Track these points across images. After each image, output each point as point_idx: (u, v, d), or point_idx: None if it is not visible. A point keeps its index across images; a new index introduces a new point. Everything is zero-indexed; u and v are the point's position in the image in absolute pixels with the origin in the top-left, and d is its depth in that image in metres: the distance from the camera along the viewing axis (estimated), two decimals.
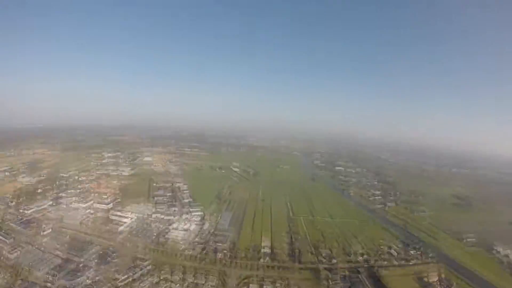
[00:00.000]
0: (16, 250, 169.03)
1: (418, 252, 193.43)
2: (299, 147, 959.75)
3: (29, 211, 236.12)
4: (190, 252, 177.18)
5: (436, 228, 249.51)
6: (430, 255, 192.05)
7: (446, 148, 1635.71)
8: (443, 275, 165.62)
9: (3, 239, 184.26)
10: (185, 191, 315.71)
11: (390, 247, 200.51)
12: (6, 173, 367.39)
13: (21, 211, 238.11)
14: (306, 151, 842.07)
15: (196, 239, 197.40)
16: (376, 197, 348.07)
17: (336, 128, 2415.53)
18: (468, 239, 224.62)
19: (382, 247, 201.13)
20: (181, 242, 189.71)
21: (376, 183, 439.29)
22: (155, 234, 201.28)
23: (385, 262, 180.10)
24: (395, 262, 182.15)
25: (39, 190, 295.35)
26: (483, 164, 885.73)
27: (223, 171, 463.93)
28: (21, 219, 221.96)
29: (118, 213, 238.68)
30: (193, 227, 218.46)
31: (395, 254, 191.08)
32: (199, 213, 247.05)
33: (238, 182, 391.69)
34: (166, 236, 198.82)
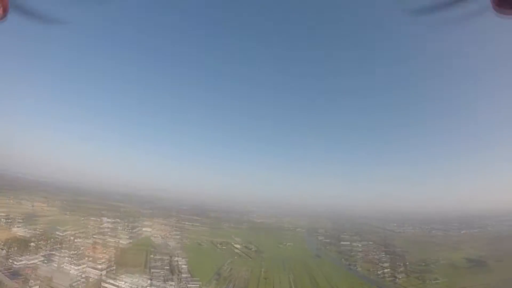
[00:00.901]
0: None
1: None
2: (302, 223, 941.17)
3: (18, 264, 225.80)
4: None
5: None
6: None
7: (453, 210, 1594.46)
8: None
9: None
10: (183, 266, 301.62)
11: None
12: (2, 220, 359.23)
13: (10, 261, 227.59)
14: (309, 227, 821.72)
15: None
16: (385, 270, 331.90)
17: (340, 202, 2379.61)
18: None
19: None
20: None
21: (384, 255, 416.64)
22: None
23: None
24: None
25: (32, 244, 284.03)
26: (493, 221, 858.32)
27: (224, 247, 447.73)
28: (9, 269, 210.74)
29: (111, 281, 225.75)
30: None
31: None
32: None
33: (240, 259, 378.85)
34: None
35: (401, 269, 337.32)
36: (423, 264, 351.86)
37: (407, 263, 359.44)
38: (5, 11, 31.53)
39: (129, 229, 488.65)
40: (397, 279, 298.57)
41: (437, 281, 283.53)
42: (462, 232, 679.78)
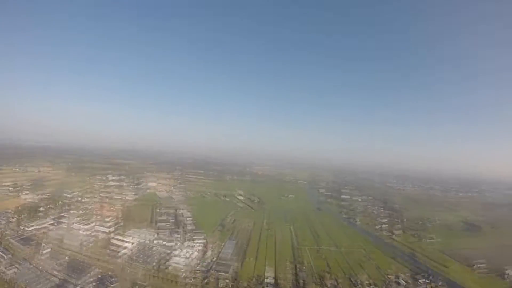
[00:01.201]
0: (13, 266, 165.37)
1: (427, 281, 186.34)
2: (304, 175, 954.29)
3: (30, 229, 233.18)
4: (191, 281, 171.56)
5: (445, 255, 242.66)
6: (440, 283, 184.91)
7: (453, 172, 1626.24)
8: None
9: (2, 254, 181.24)
10: (188, 218, 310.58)
11: (397, 277, 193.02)
12: (10, 189, 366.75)
13: (21, 227, 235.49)
14: (311, 180, 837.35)
15: (198, 267, 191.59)
16: (383, 225, 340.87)
17: (341, 156, 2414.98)
18: (479, 265, 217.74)
19: (389, 276, 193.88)
20: (182, 270, 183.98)
21: (382, 210, 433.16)
22: (156, 260, 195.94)
23: None
24: None
25: (41, 209, 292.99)
26: (490, 187, 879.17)
27: (228, 199, 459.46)
28: (21, 235, 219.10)
29: (120, 237, 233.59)
30: (195, 254, 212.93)
31: (403, 283, 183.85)
32: (202, 240, 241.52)
33: (243, 211, 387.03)
34: (167, 263, 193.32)
35: (398, 225, 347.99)
36: (420, 222, 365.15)
37: (405, 220, 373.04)
38: None
39: (134, 185, 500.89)
40: (393, 235, 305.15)
41: (432, 240, 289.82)
42: (460, 194, 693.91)
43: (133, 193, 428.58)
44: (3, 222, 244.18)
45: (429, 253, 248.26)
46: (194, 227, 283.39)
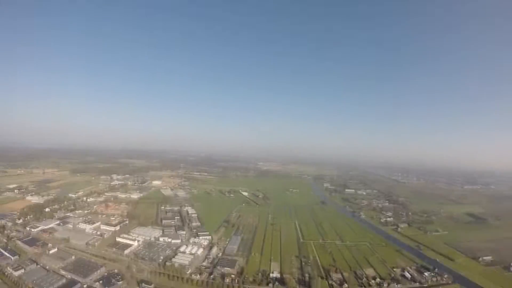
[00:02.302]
0: (20, 267, 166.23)
1: (432, 274, 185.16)
2: (309, 170, 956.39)
3: (36, 230, 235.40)
4: (197, 277, 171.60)
5: (451, 248, 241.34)
6: (445, 276, 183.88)
7: (457, 165, 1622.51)
8: None
9: (9, 255, 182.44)
10: (193, 215, 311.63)
11: (403, 270, 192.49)
12: (15, 191, 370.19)
13: (27, 229, 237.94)
14: (316, 175, 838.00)
15: (204, 264, 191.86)
16: (388, 219, 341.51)
17: (346, 151, 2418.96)
18: (484, 258, 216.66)
19: (395, 270, 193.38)
20: (188, 267, 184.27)
21: (387, 204, 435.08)
22: (161, 257, 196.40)
23: (399, 286, 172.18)
24: (409, 285, 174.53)
25: (47, 209, 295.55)
26: (495, 179, 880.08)
27: (232, 195, 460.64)
28: (28, 236, 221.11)
29: (125, 236, 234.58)
30: (200, 251, 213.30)
31: (409, 277, 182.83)
32: (207, 237, 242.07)
33: (247, 206, 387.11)
34: (173, 260, 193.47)
35: (403, 218, 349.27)
36: (425, 215, 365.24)
37: (410, 213, 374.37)
38: None
39: (139, 184, 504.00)
40: (399, 228, 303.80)
41: (437, 232, 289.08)
42: (465, 187, 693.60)
43: (138, 191, 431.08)
44: (10, 223, 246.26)
45: (435, 246, 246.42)
46: (199, 223, 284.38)
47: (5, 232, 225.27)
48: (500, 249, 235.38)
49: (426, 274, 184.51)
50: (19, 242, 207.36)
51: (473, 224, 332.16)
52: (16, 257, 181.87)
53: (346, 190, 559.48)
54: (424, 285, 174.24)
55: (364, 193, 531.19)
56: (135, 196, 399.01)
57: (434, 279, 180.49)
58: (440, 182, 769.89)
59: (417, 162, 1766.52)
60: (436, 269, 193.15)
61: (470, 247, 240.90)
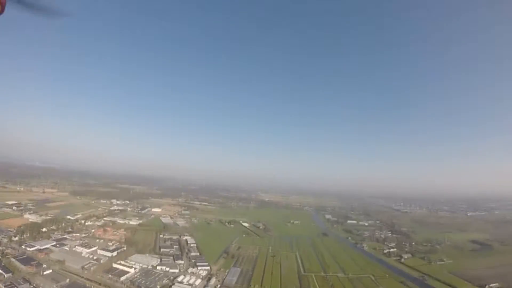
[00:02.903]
0: (13, 286, 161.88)
1: None
2: (309, 202, 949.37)
3: (31, 249, 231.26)
4: None
5: (457, 277, 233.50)
6: None
7: (460, 192, 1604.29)
8: None
9: (2, 272, 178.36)
10: (192, 245, 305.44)
11: None
12: (14, 207, 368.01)
13: (23, 247, 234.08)
14: (317, 206, 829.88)
15: None
16: (391, 249, 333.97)
17: (347, 181, 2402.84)
18: (491, 285, 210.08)
19: None
20: None
21: (390, 234, 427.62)
22: (158, 286, 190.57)
23: None
24: None
25: (44, 229, 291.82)
26: (498, 204, 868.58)
27: (232, 225, 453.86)
28: (22, 255, 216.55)
29: (122, 262, 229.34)
30: (198, 282, 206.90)
31: None
32: (206, 267, 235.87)
33: (248, 237, 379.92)
34: None
35: (407, 248, 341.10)
36: (429, 244, 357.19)
37: (413, 243, 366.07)
38: (2, 5, 31.52)
39: (138, 210, 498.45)
40: (402, 259, 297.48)
41: (442, 262, 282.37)
42: (468, 214, 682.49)
43: (137, 218, 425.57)
44: (5, 240, 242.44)
45: (440, 275, 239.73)
46: (198, 253, 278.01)
47: (0, 248, 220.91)
48: (508, 275, 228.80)
49: None
50: (13, 260, 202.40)
51: (478, 251, 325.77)
52: (10, 274, 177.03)
53: (348, 221, 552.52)
54: None
55: (366, 224, 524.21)
56: (134, 222, 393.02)
57: None
58: (443, 210, 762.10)
59: (419, 190, 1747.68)
60: None
61: (476, 274, 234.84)
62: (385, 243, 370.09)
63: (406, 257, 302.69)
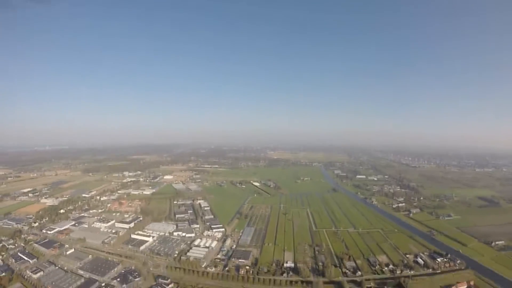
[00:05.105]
0: (39, 270, 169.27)
1: (445, 260, 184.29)
2: (319, 158, 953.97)
3: (52, 232, 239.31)
4: (212, 270, 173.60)
5: (463, 233, 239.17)
6: (458, 262, 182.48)
7: (468, 147, 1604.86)
8: (472, 282, 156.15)
9: (27, 259, 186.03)
10: (206, 208, 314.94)
11: (416, 256, 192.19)
12: (30, 194, 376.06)
13: (44, 231, 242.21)
14: (326, 161, 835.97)
15: (218, 256, 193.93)
16: (400, 204, 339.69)
17: (356, 136, 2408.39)
18: (497, 242, 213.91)
19: (408, 256, 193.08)
20: (203, 260, 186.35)
21: (399, 189, 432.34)
22: (176, 252, 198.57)
23: (412, 272, 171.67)
24: (422, 272, 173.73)
25: (62, 211, 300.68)
26: (507, 161, 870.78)
27: (244, 186, 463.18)
28: (44, 239, 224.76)
29: (140, 232, 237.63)
30: (214, 244, 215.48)
31: (422, 263, 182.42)
32: (221, 229, 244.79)
33: (259, 196, 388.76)
34: (188, 254, 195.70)
35: (415, 203, 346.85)
36: (437, 199, 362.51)
37: (421, 198, 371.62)
38: None
39: (150, 179, 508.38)
40: (411, 214, 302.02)
41: (450, 217, 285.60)
42: (476, 170, 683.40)
43: (150, 187, 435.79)
44: (26, 227, 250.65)
45: (447, 231, 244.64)
46: (212, 216, 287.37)
47: (22, 236, 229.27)
48: None
49: (439, 260, 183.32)
50: (36, 245, 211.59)
51: (486, 208, 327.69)
52: (34, 260, 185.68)
53: (357, 176, 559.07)
54: (437, 271, 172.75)
55: (375, 179, 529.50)
56: (147, 192, 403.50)
57: (447, 265, 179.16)
58: (451, 166, 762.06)
59: (428, 145, 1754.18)
60: (449, 255, 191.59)
61: (482, 231, 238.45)
62: (394, 197, 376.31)
63: (414, 211, 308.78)
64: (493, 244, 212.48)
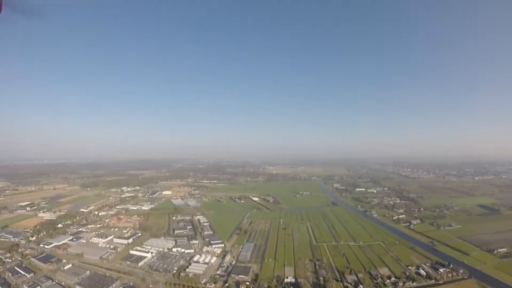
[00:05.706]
0: (36, 285, 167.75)
1: (447, 270, 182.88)
2: (318, 172, 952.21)
3: (49, 246, 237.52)
4: (212, 286, 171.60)
5: (465, 242, 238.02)
6: (461, 271, 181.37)
7: (467, 156, 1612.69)
8: None
9: (24, 273, 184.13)
10: (205, 224, 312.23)
11: (418, 267, 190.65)
12: (27, 208, 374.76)
13: (41, 246, 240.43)
14: (325, 175, 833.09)
15: (218, 272, 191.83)
16: (400, 216, 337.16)
17: (354, 149, 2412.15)
18: (499, 250, 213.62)
19: (410, 268, 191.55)
20: (202, 276, 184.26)
21: (399, 201, 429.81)
22: (175, 268, 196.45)
23: (414, 284, 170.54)
24: (425, 283, 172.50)
25: (60, 225, 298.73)
26: (506, 168, 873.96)
27: (243, 201, 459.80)
28: (42, 254, 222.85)
29: (138, 248, 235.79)
30: (214, 260, 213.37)
31: (424, 274, 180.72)
32: (220, 245, 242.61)
33: (258, 212, 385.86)
34: (187, 270, 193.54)
35: (416, 214, 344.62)
36: (437, 210, 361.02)
37: (422, 209, 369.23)
38: None
39: (149, 195, 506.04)
40: (411, 225, 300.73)
41: (451, 227, 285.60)
42: (476, 178, 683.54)
43: (149, 202, 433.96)
44: (23, 241, 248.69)
45: (449, 240, 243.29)
46: (212, 232, 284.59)
47: (19, 250, 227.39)
48: None
49: (441, 270, 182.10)
50: (33, 260, 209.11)
51: (486, 216, 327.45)
52: (32, 274, 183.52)
53: (356, 189, 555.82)
54: (440, 282, 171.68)
55: (375, 191, 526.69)
56: (146, 207, 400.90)
57: (450, 275, 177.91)
58: (450, 175, 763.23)
59: (426, 156, 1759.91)
60: (451, 265, 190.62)
61: (484, 239, 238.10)
62: (394, 209, 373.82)
63: (415, 223, 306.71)
64: (495, 252, 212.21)
